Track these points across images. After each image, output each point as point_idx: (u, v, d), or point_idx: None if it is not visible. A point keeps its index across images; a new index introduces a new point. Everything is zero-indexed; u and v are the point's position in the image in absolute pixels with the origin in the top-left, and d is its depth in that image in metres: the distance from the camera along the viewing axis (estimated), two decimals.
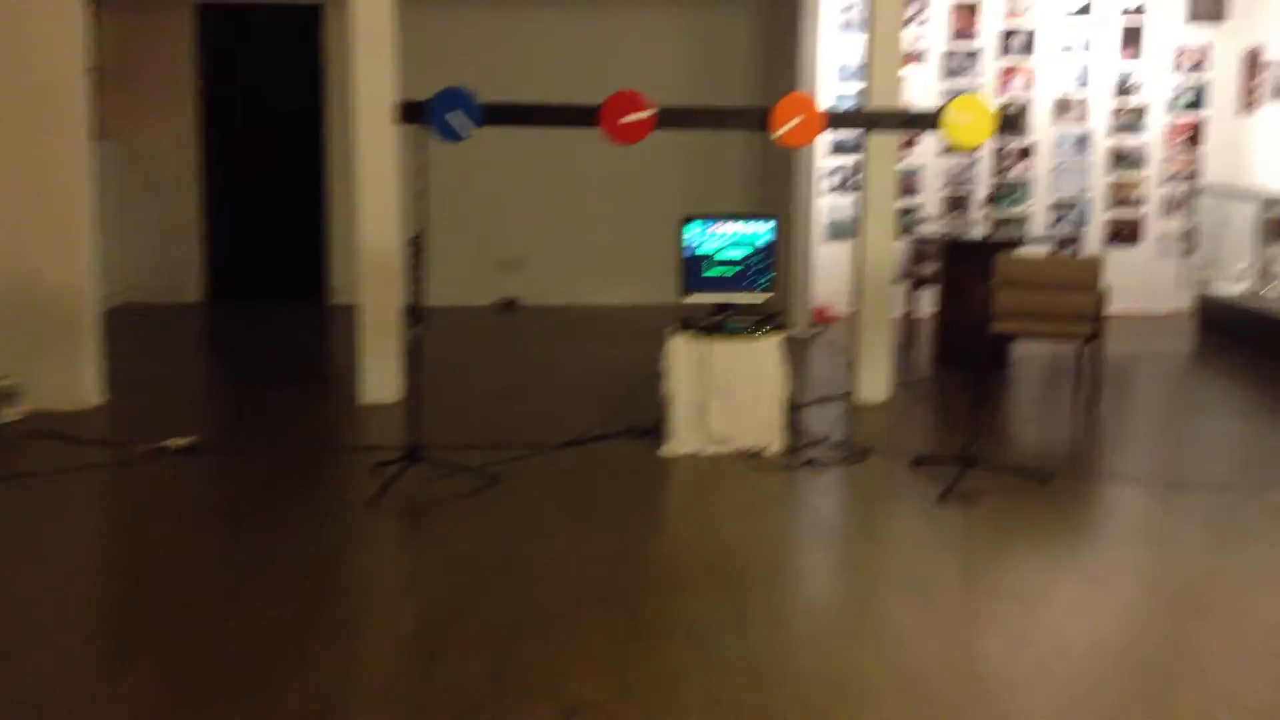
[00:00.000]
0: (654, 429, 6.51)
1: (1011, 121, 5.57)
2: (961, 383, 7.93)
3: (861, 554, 5.03)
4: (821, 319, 10.05)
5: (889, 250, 7.37)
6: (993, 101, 5.48)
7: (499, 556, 4.89)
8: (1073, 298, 7.11)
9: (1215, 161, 10.59)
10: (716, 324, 6.29)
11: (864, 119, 5.59)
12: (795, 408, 6.67)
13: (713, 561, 4.86)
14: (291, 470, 6.10)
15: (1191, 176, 10.64)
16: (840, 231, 10.50)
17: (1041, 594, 4.57)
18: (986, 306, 7.28)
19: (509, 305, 11.14)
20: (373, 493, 5.52)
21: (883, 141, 7.14)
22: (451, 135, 5.47)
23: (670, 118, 5.73)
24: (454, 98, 5.46)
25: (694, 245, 6.33)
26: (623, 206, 11.09)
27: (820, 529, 5.41)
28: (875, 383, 7.42)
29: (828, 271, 10.28)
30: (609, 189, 11.07)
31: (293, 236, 11.77)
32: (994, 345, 7.34)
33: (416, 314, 5.66)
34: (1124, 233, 10.71)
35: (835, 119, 5.68)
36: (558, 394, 7.68)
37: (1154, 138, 10.61)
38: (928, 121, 5.62)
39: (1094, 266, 7.11)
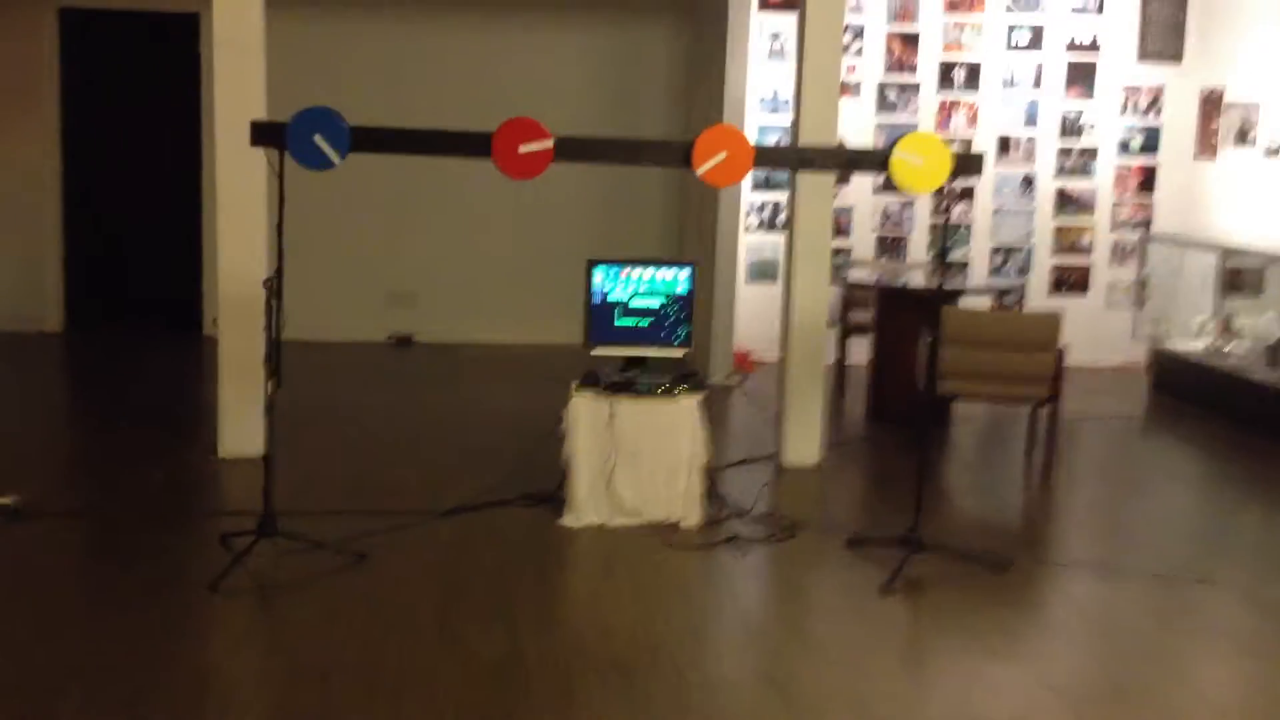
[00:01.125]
0: (553, 495, 5.89)
1: (970, 163, 5.02)
2: (898, 443, 7.40)
3: (790, 664, 4.43)
4: (742, 366, 9.48)
5: (821, 298, 6.82)
6: (947, 141, 5.05)
7: (356, 663, 4.22)
8: (1029, 358, 6.61)
9: (1169, 208, 10.22)
10: (626, 381, 5.68)
11: (799, 157, 5.05)
12: (714, 472, 6.07)
13: (612, 667, 4.24)
14: (126, 539, 5.39)
15: (1144, 223, 10.26)
16: (763, 272, 9.97)
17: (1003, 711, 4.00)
18: (929, 362, 6.75)
19: (402, 342, 10.45)
20: (216, 575, 4.81)
21: (817, 180, 6.60)
22: (315, 162, 4.82)
23: (575, 149, 5.12)
24: (317, 119, 4.81)
25: (603, 291, 5.72)
26: (527, 240, 10.46)
27: (742, 627, 4.79)
28: (804, 443, 6.86)
29: (749, 315, 9.74)
30: (513, 221, 10.44)
31: (164, 261, 11.01)
32: (934, 402, 6.81)
33: (271, 367, 4.98)
34: (1071, 280, 10.29)
35: (766, 155, 5.11)
36: (447, 448, 7.01)
37: (1104, 181, 10.21)
38: (873, 161, 5.07)
39: (1053, 323, 6.61)
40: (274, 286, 4.94)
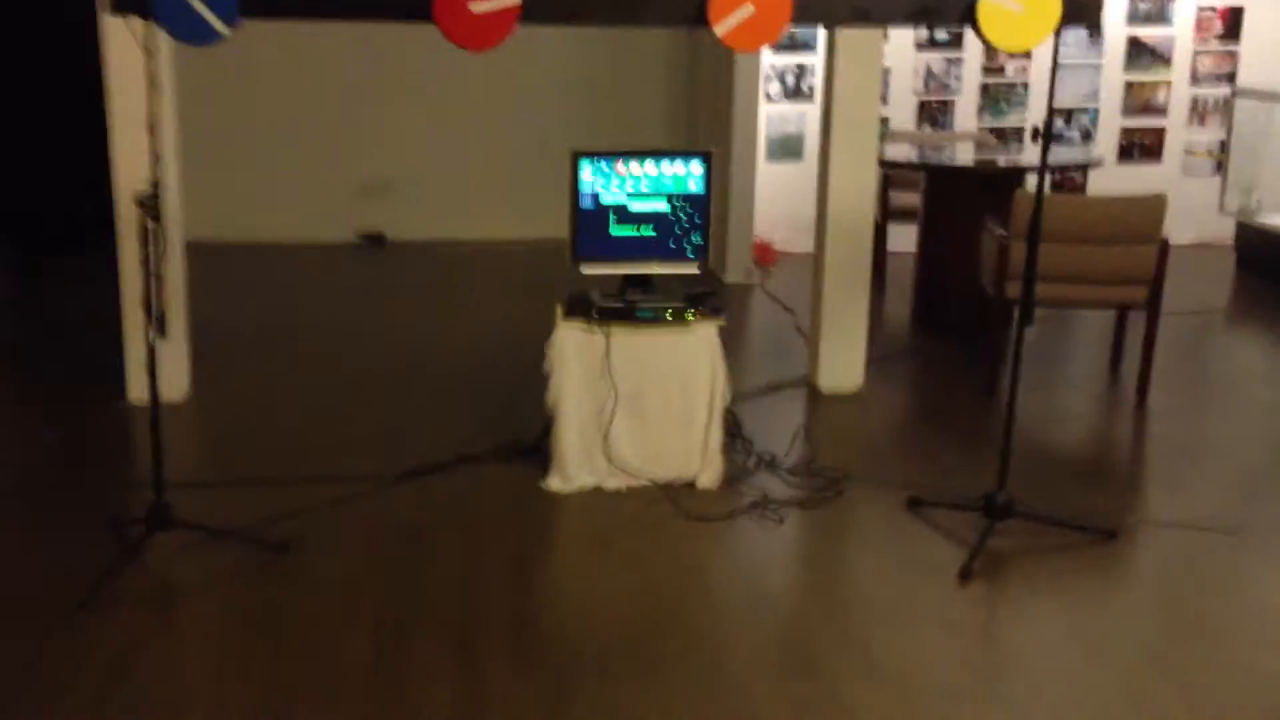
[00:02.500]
0: (535, 446, 4.80)
1: (1084, 10, 3.81)
2: (955, 360, 6.29)
3: (844, 689, 3.34)
4: (763, 259, 8.31)
5: (866, 186, 5.64)
6: None
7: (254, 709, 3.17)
8: (1126, 252, 5.44)
9: (1258, 58, 8.92)
10: (625, 307, 4.54)
11: (852, 7, 3.83)
12: (736, 411, 4.98)
13: (610, 697, 3.17)
14: None
15: (1229, 76, 8.96)
16: (787, 149, 8.77)
17: None
18: (998, 262, 5.60)
19: (373, 241, 9.29)
20: (90, 587, 3.74)
21: (862, 37, 5.38)
22: (195, 33, 3.62)
23: (550, 6, 3.90)
24: None
25: (593, 192, 4.55)
26: (513, 124, 9.23)
27: (777, 637, 3.70)
28: (843, 365, 5.74)
29: (770, 199, 8.55)
30: (496, 103, 9.20)
31: (72, 167, 9.75)
32: (1006, 312, 5.71)
33: (154, 316, 3.85)
34: (1143, 146, 9.05)
35: (807, 7, 3.88)
36: (412, 381, 5.91)
37: (1183, 27, 8.90)
38: (954, 10, 3.84)
39: (1156, 208, 5.43)
40: (152, 205, 3.78)
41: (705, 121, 8.62)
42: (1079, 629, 3.65)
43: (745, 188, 7.95)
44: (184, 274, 5.61)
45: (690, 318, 4.57)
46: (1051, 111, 4.04)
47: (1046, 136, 4.04)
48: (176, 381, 5.50)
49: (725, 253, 7.94)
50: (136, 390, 5.44)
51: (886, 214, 7.75)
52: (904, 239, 7.94)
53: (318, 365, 6.24)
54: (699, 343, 4.58)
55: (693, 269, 4.67)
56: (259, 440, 5.13)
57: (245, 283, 8.16)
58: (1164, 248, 5.48)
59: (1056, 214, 5.41)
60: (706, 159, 4.57)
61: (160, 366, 5.16)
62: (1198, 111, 9.07)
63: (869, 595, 3.87)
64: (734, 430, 5.00)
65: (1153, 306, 5.57)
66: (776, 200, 8.68)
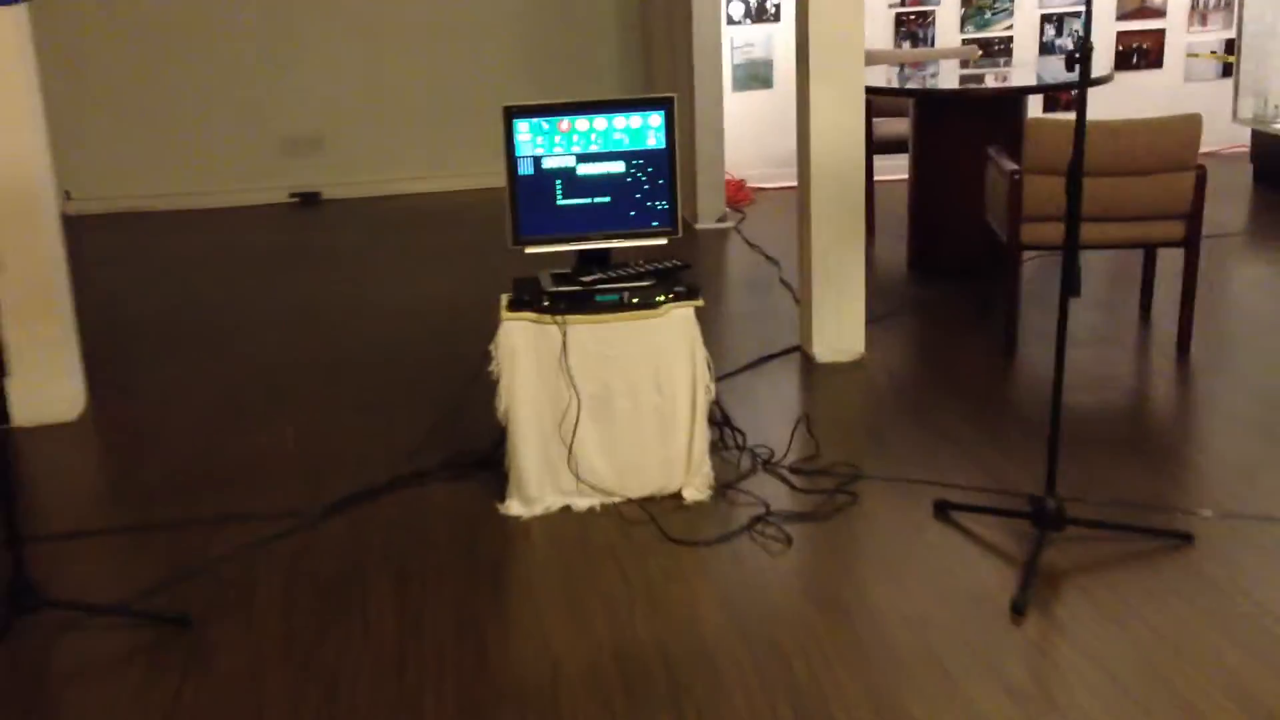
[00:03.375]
0: (491, 457, 4.06)
1: None
2: (962, 311, 5.53)
3: None
4: (736, 199, 7.54)
5: (853, 122, 4.86)
6: None
7: None
8: (1157, 184, 4.69)
9: None
10: (580, 293, 3.77)
11: None
12: (721, 398, 4.24)
13: None
14: None
15: None
16: (754, 76, 7.95)
17: None
18: (1010, 200, 4.85)
19: (306, 200, 8.47)
20: None
21: None
22: None
23: None
24: None
25: (534, 155, 3.75)
26: (453, 68, 8.39)
27: (793, 710, 2.97)
28: (842, 330, 5.00)
29: (739, 133, 7.76)
30: (434, 44, 8.34)
31: None
32: (1016, 254, 4.99)
33: None
34: (1141, 51, 8.26)
35: None
36: (345, 376, 5.14)
37: None
38: None
39: (1191, 131, 4.66)
40: None
41: (663, 58, 7.79)
42: (1168, 680, 2.93)
43: (712, 123, 7.16)
44: (65, 264, 4.83)
45: (661, 300, 3.80)
46: (1089, 29, 3.25)
47: (1085, 59, 3.26)
48: (66, 397, 4.73)
49: (695, 197, 7.15)
50: (21, 410, 4.67)
51: (870, 145, 6.97)
52: (890, 168, 7.19)
53: (239, 356, 5.46)
54: (674, 329, 3.82)
55: (659, 240, 3.89)
56: (162, 465, 4.36)
57: (165, 256, 7.36)
58: (1201, 176, 4.73)
59: (1067, 141, 4.63)
60: (667, 108, 3.78)
61: (46, 380, 4.41)
62: (1199, 10, 8.28)
63: (899, 642, 3.14)
64: (722, 423, 4.26)
65: (1191, 244, 4.82)
66: (747, 133, 7.90)
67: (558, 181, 3.78)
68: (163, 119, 8.26)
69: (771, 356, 5.06)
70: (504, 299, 3.83)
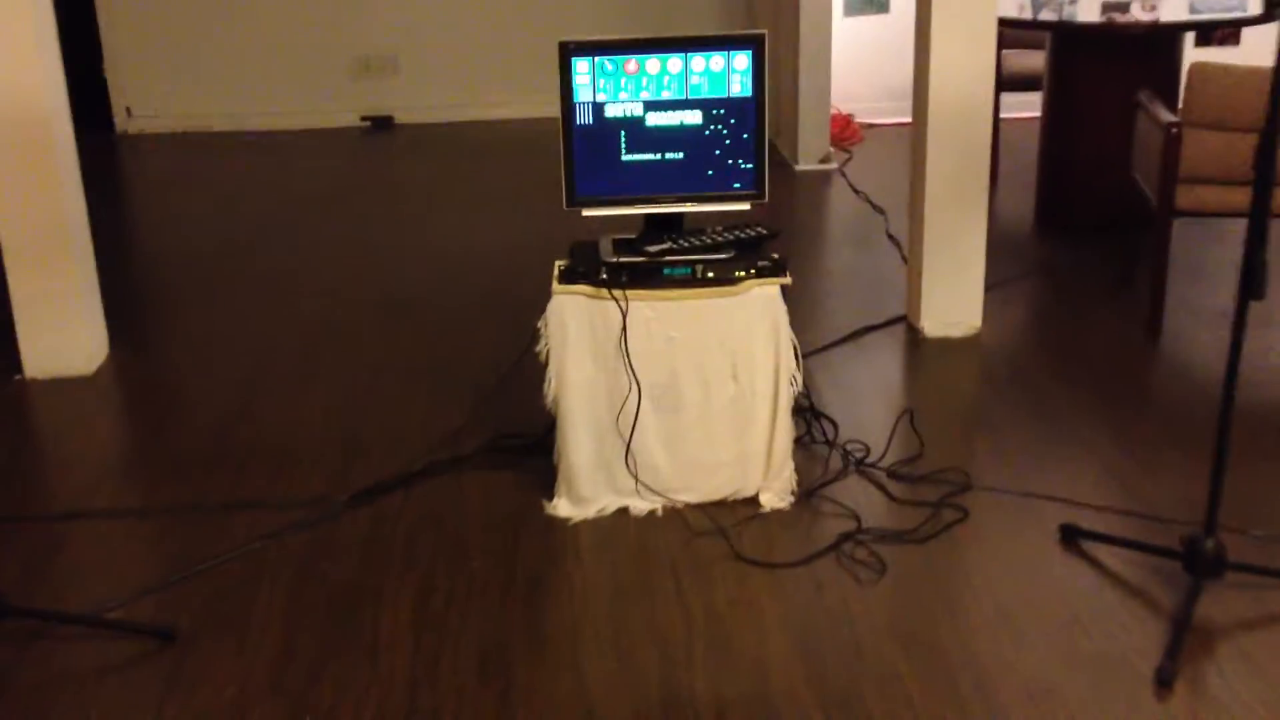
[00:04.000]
0: (542, 440, 3.54)
1: None
2: (1097, 280, 4.89)
3: None
4: (843, 137, 6.91)
5: (983, 64, 4.23)
6: None
7: None
8: None
9: None
10: (646, 264, 3.23)
11: None
12: (811, 399, 3.69)
13: None
14: None
15: None
16: (867, 1, 7.26)
17: None
18: (1164, 152, 4.20)
19: (379, 124, 7.98)
20: None
21: None
22: None
23: None
24: None
25: (594, 101, 3.20)
26: None
27: None
28: (954, 302, 4.41)
29: (848, 63, 7.10)
30: None
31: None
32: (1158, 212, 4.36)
33: None
34: None
35: None
36: (395, 336, 4.66)
37: None
38: None
39: None
40: None
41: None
42: None
43: (819, 51, 6.51)
44: (81, 199, 4.40)
45: (741, 276, 3.24)
46: None
47: None
48: (83, 347, 4.31)
49: (796, 134, 6.54)
50: (33, 362, 4.26)
51: (998, 82, 6.27)
52: (1018, 104, 6.53)
53: (283, 303, 5.01)
54: (755, 309, 3.27)
55: (741, 205, 3.32)
56: (178, 434, 3.92)
57: (223, 182, 6.96)
58: None
59: (1237, 92, 3.97)
60: (755, 47, 3.19)
61: (58, 329, 4.04)
62: None
63: (1012, 713, 2.59)
64: (810, 414, 3.70)
65: None
66: (858, 63, 7.24)
67: (622, 133, 3.22)
68: (230, 35, 7.81)
69: (872, 328, 4.49)
70: (556, 267, 3.29)
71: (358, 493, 3.48)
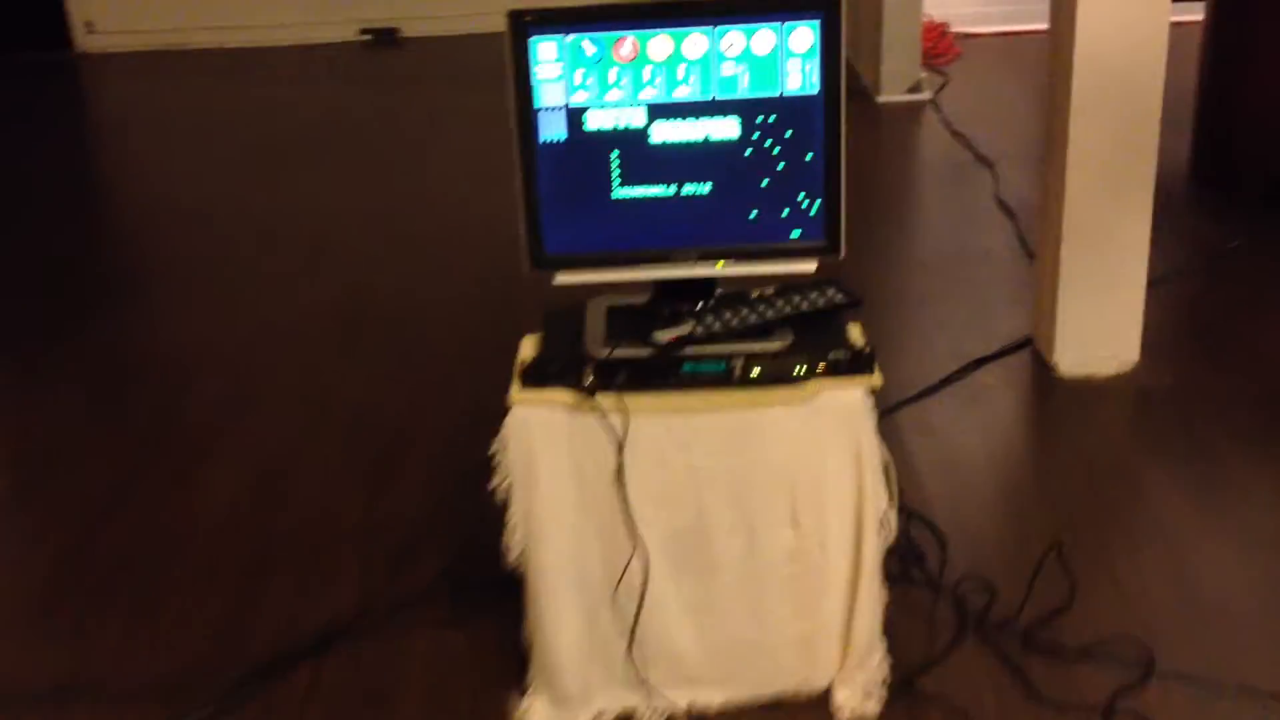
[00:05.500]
0: (513, 577, 2.39)
1: None
2: None
3: None
4: (937, 53, 5.63)
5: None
6: None
7: None
8: None
9: None
10: (653, 360, 2.05)
11: None
12: (903, 502, 2.55)
13: None
14: None
15: None
16: None
17: None
18: None
19: (381, 38, 6.80)
20: None
21: None
22: None
23: None
24: None
25: (567, 108, 2.00)
26: None
27: None
28: (1103, 328, 3.19)
29: None
30: None
31: None
32: None
33: None
34: None
35: None
36: (342, 375, 3.53)
37: None
38: None
39: None
40: None
41: None
42: None
43: None
44: None
45: (804, 373, 2.07)
46: None
47: None
48: None
49: (877, 56, 5.26)
50: None
51: None
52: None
53: (221, 301, 3.93)
54: (827, 425, 2.11)
55: (804, 265, 2.13)
56: (40, 531, 2.84)
57: (194, 114, 5.90)
58: None
59: None
60: (826, 14, 1.97)
61: None
62: None
63: None
64: (906, 553, 2.55)
65: None
66: None
67: (614, 155, 2.04)
68: None
69: (983, 361, 3.29)
70: (519, 358, 2.15)
71: (245, 676, 2.39)
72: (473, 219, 4.37)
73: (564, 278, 2.13)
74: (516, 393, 2.12)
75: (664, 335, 2.07)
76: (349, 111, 5.80)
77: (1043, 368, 3.25)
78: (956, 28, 5.91)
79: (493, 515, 2.16)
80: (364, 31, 6.83)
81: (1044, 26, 5.77)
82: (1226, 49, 4.18)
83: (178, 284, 4.14)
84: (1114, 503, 2.76)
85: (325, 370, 3.46)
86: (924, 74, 5.34)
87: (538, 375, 2.11)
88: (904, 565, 2.51)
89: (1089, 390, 3.17)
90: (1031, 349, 3.33)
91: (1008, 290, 3.65)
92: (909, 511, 2.60)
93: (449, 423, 3.11)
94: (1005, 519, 2.74)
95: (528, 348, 2.19)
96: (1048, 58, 3.16)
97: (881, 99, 5.23)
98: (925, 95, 5.25)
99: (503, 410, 2.09)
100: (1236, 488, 2.78)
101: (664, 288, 2.15)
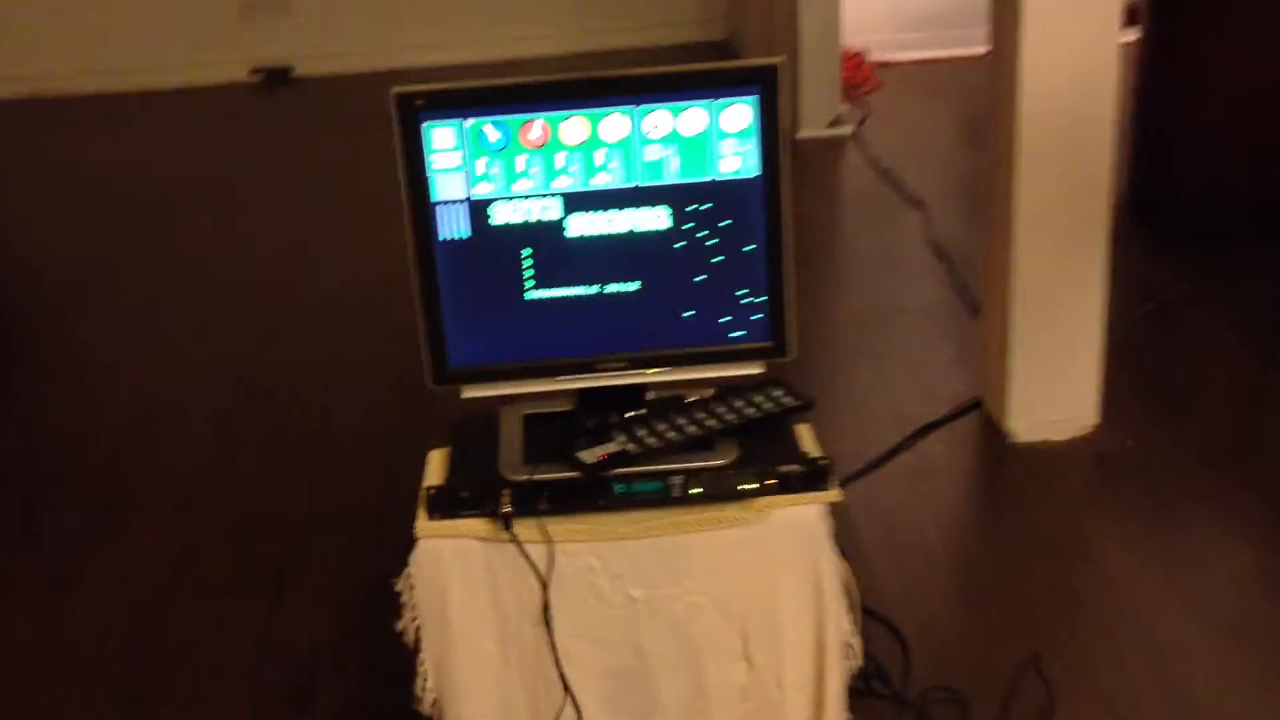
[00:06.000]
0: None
1: None
2: (1234, 321, 3.46)
3: None
4: (855, 83, 5.43)
5: (1107, 36, 2.77)
6: None
7: None
8: None
9: None
10: (581, 479, 1.79)
11: None
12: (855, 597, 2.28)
13: None
14: None
15: None
16: None
17: None
18: None
19: (274, 77, 6.48)
20: None
21: None
22: None
23: None
24: None
25: (468, 200, 1.73)
26: None
27: None
28: (1058, 387, 2.98)
29: None
30: None
31: None
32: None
33: None
34: None
35: None
36: (230, 485, 3.22)
37: None
38: None
39: None
40: None
41: None
42: None
43: None
44: None
45: (752, 488, 1.82)
46: None
47: None
48: None
49: (796, 86, 5.03)
50: None
51: None
52: None
53: (99, 384, 3.57)
54: (782, 547, 1.87)
55: (746, 369, 1.88)
56: None
57: (71, 166, 5.51)
58: None
59: None
60: (763, 88, 1.73)
61: None
62: None
63: None
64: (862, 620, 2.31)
65: None
66: None
67: (525, 252, 1.77)
68: None
69: (930, 427, 3.06)
70: (425, 485, 1.87)
71: None
72: (378, 276, 4.06)
73: (473, 392, 1.86)
74: (423, 523, 1.85)
75: (590, 455, 1.81)
76: (240, 159, 5.47)
77: (994, 433, 3.03)
78: (874, 56, 5.71)
79: (403, 642, 1.89)
80: (255, 71, 6.49)
81: (965, 52, 5.70)
82: (1164, 74, 4.01)
83: (49, 357, 3.81)
84: (1084, 591, 2.53)
85: (211, 464, 3.15)
86: (844, 106, 5.13)
87: (447, 504, 1.84)
88: (864, 677, 2.26)
89: (1045, 457, 2.95)
90: (980, 411, 3.11)
91: (947, 345, 3.44)
92: (865, 608, 2.36)
93: (354, 527, 2.82)
94: (968, 612, 2.52)
95: (435, 466, 1.92)
96: (988, 91, 2.95)
97: (800, 135, 5.00)
98: (847, 130, 5.04)
99: (410, 530, 1.82)
100: (1209, 563, 2.57)
101: (589, 394, 1.89)
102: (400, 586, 1.88)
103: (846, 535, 2.37)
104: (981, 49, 3.27)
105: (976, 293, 3.33)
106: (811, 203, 4.55)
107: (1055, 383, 2.98)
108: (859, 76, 5.53)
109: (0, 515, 3.00)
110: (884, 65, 5.69)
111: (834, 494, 1.86)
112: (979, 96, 3.75)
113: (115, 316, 4.03)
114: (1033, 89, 2.78)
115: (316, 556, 2.73)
